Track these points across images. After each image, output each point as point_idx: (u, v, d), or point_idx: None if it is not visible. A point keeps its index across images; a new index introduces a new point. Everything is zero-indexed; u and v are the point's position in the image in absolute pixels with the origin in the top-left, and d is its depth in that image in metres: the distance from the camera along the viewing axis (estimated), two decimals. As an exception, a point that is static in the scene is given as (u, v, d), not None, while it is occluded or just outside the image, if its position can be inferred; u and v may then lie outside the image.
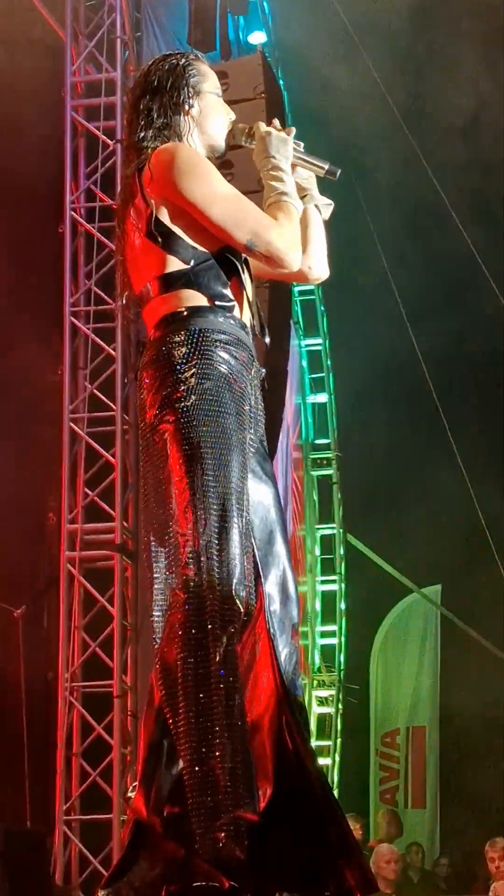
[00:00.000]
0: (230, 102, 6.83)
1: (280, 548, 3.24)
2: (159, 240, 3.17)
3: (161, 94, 3.27)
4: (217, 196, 3.14)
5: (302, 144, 3.34)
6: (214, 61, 8.10)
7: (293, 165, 3.32)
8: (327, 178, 3.35)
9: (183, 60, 3.31)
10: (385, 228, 10.52)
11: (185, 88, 3.28)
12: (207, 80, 3.33)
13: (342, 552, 12.25)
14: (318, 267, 3.43)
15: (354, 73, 9.40)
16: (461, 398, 11.07)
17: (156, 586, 3.12)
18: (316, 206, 3.42)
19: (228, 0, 8.23)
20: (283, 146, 3.28)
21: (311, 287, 12.02)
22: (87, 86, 8.72)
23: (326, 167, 3.34)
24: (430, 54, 9.94)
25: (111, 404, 8.28)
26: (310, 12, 9.83)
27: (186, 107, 3.27)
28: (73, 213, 8.55)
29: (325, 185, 3.45)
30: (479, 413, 11.43)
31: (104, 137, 8.46)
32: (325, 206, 3.44)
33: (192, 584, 2.99)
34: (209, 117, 3.31)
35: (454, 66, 9.37)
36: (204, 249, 3.18)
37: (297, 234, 3.21)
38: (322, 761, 10.80)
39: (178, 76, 3.28)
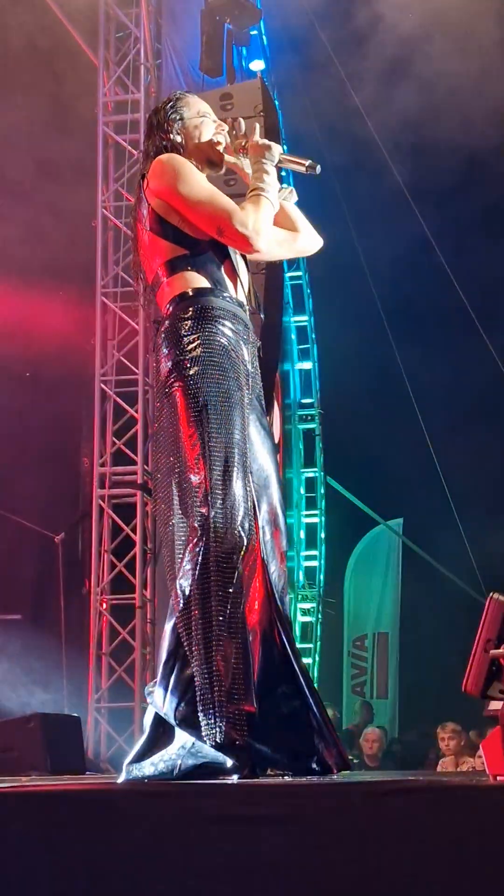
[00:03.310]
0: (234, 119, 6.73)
1: (273, 489, 3.23)
2: (160, 232, 3.16)
3: (155, 131, 3.32)
4: (194, 195, 3.12)
5: (286, 148, 3.32)
6: (222, 84, 8.01)
7: (280, 165, 3.27)
8: (309, 173, 3.29)
9: (170, 103, 3.34)
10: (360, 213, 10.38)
11: (172, 122, 3.28)
12: (191, 109, 3.32)
13: (322, 491, 12.27)
14: (310, 241, 3.41)
15: (339, 94, 9.26)
16: (423, 364, 11.01)
17: (175, 521, 3.09)
18: (283, 198, 3.36)
19: (234, 33, 8.09)
20: (268, 151, 3.26)
21: (300, 272, 11.99)
22: (116, 105, 8.63)
23: (307, 163, 3.29)
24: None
25: (135, 369, 8.24)
26: (300, 44, 9.69)
27: (172, 133, 3.27)
28: (104, 210, 8.49)
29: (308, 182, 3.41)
30: (439, 376, 11.39)
31: (130, 148, 8.40)
32: (289, 194, 3.39)
33: (205, 520, 2.98)
34: (193, 135, 3.29)
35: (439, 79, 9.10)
36: (198, 239, 3.16)
37: (262, 219, 3.14)
38: (305, 660, 10.86)
39: (166, 114, 3.30)
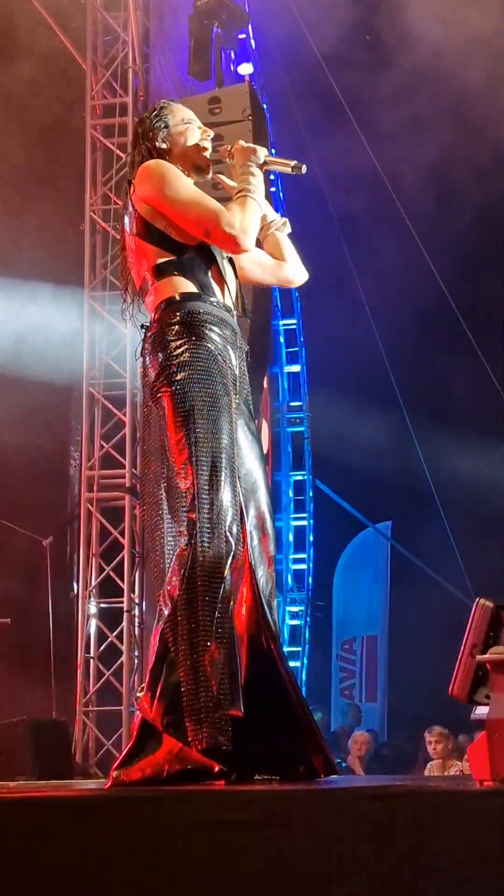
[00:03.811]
0: (223, 123, 6.76)
1: (261, 494, 3.23)
2: (147, 237, 3.17)
3: (141, 140, 3.33)
4: (180, 198, 3.13)
5: (273, 151, 3.38)
6: (210, 88, 8.00)
7: (266, 167, 3.29)
8: (294, 173, 3.31)
9: (154, 112, 3.36)
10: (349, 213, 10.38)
11: (157, 131, 3.30)
12: (175, 116, 3.34)
13: (311, 494, 12.28)
14: (297, 273, 3.45)
15: (326, 99, 9.28)
16: (411, 367, 11.04)
17: (164, 527, 3.10)
18: (276, 229, 3.42)
19: (222, 37, 8.09)
20: (254, 154, 3.29)
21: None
22: (104, 108, 8.62)
23: (293, 164, 3.31)
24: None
25: (122, 372, 8.24)
26: (288, 48, 9.70)
27: (157, 141, 3.29)
28: (91, 213, 8.48)
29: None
30: (428, 378, 11.42)
31: (118, 151, 8.39)
32: (283, 225, 3.44)
33: (193, 525, 2.98)
34: (178, 142, 3.30)
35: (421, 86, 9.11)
36: (184, 243, 3.17)
37: (249, 219, 3.15)
38: (292, 664, 10.87)
39: (151, 122, 3.32)
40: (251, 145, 3.33)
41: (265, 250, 3.43)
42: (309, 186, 9.83)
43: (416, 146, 9.68)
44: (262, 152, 3.31)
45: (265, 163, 3.30)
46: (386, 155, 9.41)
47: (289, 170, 3.32)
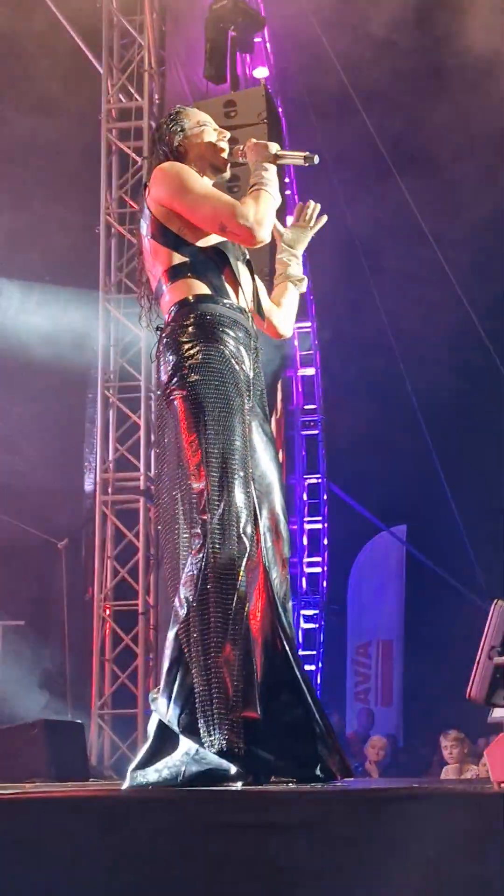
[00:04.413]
0: (238, 126, 6.76)
1: (276, 496, 3.23)
2: (161, 239, 3.19)
3: (158, 145, 3.37)
4: (194, 195, 3.16)
5: (283, 147, 3.41)
6: (225, 92, 8.01)
7: (279, 161, 3.30)
8: (307, 164, 3.33)
9: (170, 117, 3.40)
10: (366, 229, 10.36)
11: (173, 135, 3.33)
12: (191, 119, 3.37)
13: (325, 497, 12.27)
14: (284, 325, 3.50)
15: (343, 103, 9.27)
16: (426, 372, 11.01)
17: (178, 529, 3.10)
18: (293, 282, 3.49)
19: (237, 40, 8.08)
20: (266, 150, 3.31)
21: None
22: (119, 112, 8.63)
23: (304, 155, 3.33)
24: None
25: (137, 375, 8.24)
26: (303, 51, 9.70)
27: (174, 145, 3.32)
28: (107, 216, 8.48)
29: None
30: (443, 382, 11.38)
31: (133, 154, 8.39)
32: (299, 282, 3.52)
33: (207, 527, 2.98)
34: (195, 144, 3.33)
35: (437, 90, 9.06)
36: (199, 245, 3.19)
37: (263, 211, 3.17)
38: (307, 668, 10.85)
39: (167, 128, 3.36)
40: (262, 141, 3.36)
41: (271, 294, 3.48)
42: (323, 189, 9.79)
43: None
44: (274, 147, 3.33)
45: (278, 157, 3.32)
46: (403, 160, 9.40)
47: (301, 161, 3.34)
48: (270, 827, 2.13)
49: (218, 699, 2.85)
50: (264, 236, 3.18)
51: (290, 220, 3.60)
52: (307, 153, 3.32)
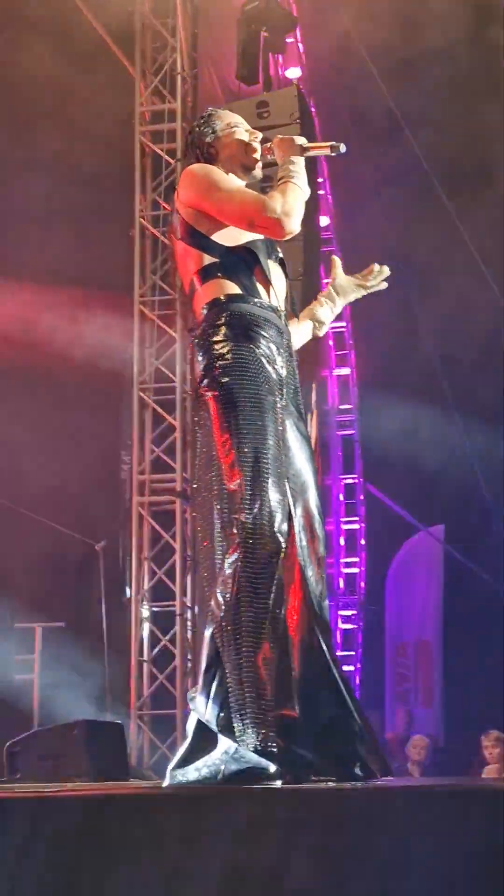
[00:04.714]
0: (271, 127, 6.76)
1: (311, 495, 3.22)
2: (191, 241, 3.21)
3: (191, 148, 3.41)
4: (221, 193, 3.18)
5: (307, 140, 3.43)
6: (258, 93, 8.01)
7: (306, 153, 3.31)
8: (334, 153, 3.34)
9: (202, 119, 3.42)
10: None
11: (204, 137, 3.36)
12: (223, 121, 3.40)
13: (362, 498, 12.24)
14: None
15: (374, 102, 9.24)
16: (458, 366, 10.94)
17: (214, 528, 3.10)
18: (315, 322, 3.51)
19: (269, 41, 8.09)
20: (293, 143, 3.32)
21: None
22: (152, 114, 8.68)
23: (330, 145, 3.34)
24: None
25: (172, 376, 8.27)
26: (337, 51, 9.67)
27: (205, 148, 3.36)
28: (141, 219, 8.53)
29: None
30: (474, 381, 11.31)
31: (166, 157, 8.44)
32: (321, 326, 3.53)
33: (242, 526, 2.99)
34: (226, 144, 3.36)
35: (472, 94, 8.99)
36: (228, 245, 3.21)
37: (291, 203, 3.17)
38: (346, 668, 10.84)
39: (199, 131, 3.39)
40: (288, 136, 3.37)
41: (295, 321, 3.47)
42: (353, 184, 9.76)
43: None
44: (301, 140, 3.34)
45: (305, 149, 3.33)
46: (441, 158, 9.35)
47: (328, 151, 3.35)
48: (310, 824, 2.13)
49: (253, 698, 2.85)
50: (293, 227, 3.18)
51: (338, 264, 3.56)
52: (333, 143, 3.34)
